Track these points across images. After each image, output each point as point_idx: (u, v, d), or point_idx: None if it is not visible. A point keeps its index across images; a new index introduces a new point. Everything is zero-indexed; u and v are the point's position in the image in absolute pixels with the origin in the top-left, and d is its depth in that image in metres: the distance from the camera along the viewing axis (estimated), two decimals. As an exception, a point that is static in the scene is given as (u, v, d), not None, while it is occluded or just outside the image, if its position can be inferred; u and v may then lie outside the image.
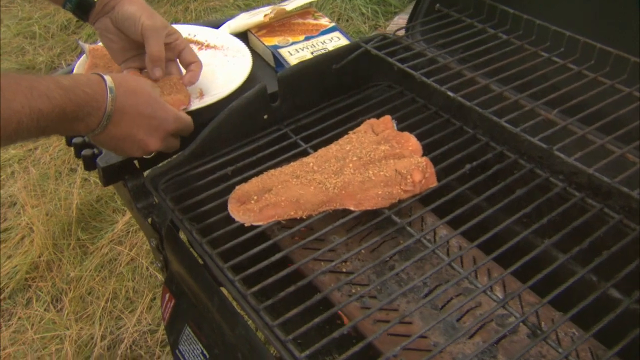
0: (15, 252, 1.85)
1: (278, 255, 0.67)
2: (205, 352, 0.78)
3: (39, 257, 1.81)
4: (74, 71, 0.96)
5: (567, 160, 0.64)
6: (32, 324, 1.66)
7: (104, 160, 0.82)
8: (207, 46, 1.07)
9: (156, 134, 0.76)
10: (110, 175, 0.82)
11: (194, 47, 1.06)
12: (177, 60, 0.91)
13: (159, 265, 0.88)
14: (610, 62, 0.77)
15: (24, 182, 2.05)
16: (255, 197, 0.72)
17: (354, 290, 0.73)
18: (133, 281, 1.73)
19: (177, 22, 2.73)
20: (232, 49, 1.04)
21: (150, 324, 1.61)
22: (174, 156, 0.79)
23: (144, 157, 0.79)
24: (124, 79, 0.75)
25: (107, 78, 0.72)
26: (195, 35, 1.09)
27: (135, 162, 0.84)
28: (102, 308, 1.67)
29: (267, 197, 0.71)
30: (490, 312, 0.61)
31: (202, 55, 1.04)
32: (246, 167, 0.78)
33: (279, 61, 0.99)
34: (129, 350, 1.57)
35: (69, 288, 1.74)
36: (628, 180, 0.63)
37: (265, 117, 0.84)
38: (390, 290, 0.72)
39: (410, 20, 0.95)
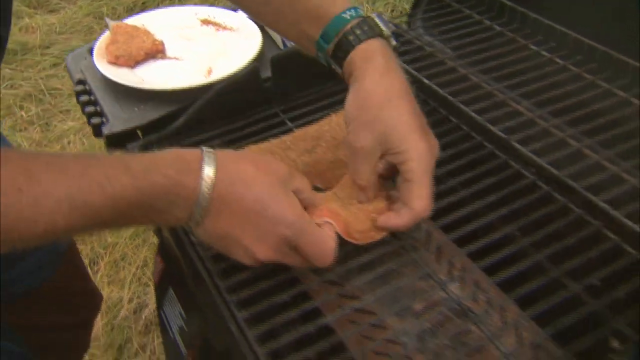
0: (62, 216, 1.99)
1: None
2: (183, 313, 0.84)
3: (82, 222, 1.94)
4: (95, 46, 1.03)
5: (522, 150, 0.64)
6: (71, 284, 1.79)
7: (108, 128, 0.89)
8: (224, 28, 1.13)
9: (266, 239, 0.56)
10: (112, 142, 0.89)
11: (211, 29, 1.12)
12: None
13: (153, 230, 0.94)
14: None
15: (77, 152, 2.19)
16: (230, 169, 0.76)
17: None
18: (163, 251, 1.82)
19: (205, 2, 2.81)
20: (245, 31, 1.09)
21: (173, 292, 1.70)
22: (168, 127, 0.84)
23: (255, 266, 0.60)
24: (234, 159, 0.56)
25: (208, 155, 0.54)
26: (214, 17, 1.14)
27: (138, 131, 0.90)
28: (133, 274, 1.77)
29: (240, 170, 0.75)
30: (429, 292, 0.63)
31: (218, 36, 1.10)
32: (232, 142, 0.82)
33: (285, 44, 1.03)
34: (152, 315, 1.67)
35: (105, 253, 1.85)
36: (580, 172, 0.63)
37: (258, 96, 0.88)
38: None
39: (414, 7, 0.96)
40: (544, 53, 0.80)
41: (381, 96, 0.61)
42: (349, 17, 0.63)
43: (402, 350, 0.66)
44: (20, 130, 2.36)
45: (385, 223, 0.64)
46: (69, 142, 2.30)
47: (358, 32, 0.62)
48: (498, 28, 0.85)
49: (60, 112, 2.44)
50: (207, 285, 0.67)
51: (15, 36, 2.96)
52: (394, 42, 0.65)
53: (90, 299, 1.13)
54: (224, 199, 0.53)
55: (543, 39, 0.81)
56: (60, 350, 1.10)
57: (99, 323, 1.66)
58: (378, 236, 0.66)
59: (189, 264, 0.75)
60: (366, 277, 0.66)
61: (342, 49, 0.63)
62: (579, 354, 0.57)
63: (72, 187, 0.47)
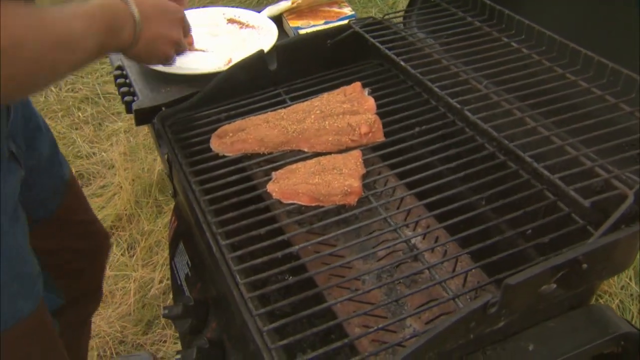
0: (107, 204, 2.17)
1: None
2: (189, 261, 0.96)
3: (124, 210, 2.11)
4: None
5: (472, 118, 0.74)
6: (110, 264, 1.94)
7: (137, 104, 1.04)
8: (247, 26, 1.27)
9: (175, 24, 0.88)
10: (141, 117, 1.02)
11: (235, 26, 1.27)
12: None
13: (170, 193, 1.07)
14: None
15: (123, 149, 2.38)
16: (230, 134, 0.88)
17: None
18: (193, 239, 1.97)
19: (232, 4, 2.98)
20: (264, 28, 1.23)
21: (200, 276, 1.83)
22: (183, 103, 0.98)
23: (167, 64, 0.92)
24: None
25: None
26: (239, 17, 1.29)
27: (163, 108, 1.04)
28: (165, 258, 1.92)
29: (239, 135, 0.88)
30: (393, 242, 0.73)
31: (240, 33, 1.25)
32: (237, 115, 0.95)
33: (297, 39, 1.16)
34: (179, 295, 1.80)
35: (142, 239, 2.01)
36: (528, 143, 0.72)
37: (264, 80, 1.01)
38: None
39: (409, 6, 1.07)
40: (514, 44, 0.89)
41: None
42: None
43: (362, 285, 0.76)
44: (76, 129, 2.58)
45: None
46: (117, 141, 2.49)
47: None
48: (486, 28, 0.95)
49: (112, 114, 2.65)
50: (205, 232, 0.79)
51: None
52: None
53: (94, 229, 1.24)
54: (146, 13, 0.80)
55: (515, 34, 0.91)
56: (74, 278, 1.20)
57: (131, 299, 1.81)
58: (340, 201, 0.76)
59: (194, 216, 0.88)
60: (342, 230, 0.76)
61: None
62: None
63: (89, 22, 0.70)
